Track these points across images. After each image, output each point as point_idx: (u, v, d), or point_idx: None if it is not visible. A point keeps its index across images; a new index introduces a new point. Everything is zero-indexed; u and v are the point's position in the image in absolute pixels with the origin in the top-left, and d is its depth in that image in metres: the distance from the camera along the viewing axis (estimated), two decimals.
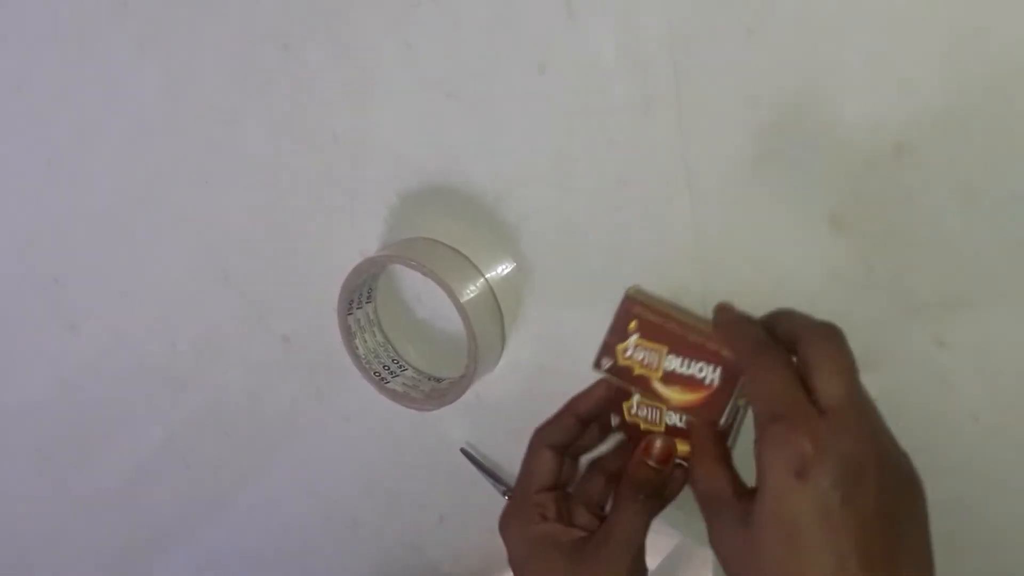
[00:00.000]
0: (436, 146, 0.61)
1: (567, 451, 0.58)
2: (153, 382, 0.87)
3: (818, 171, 0.50)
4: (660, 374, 0.54)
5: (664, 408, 0.54)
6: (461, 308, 0.59)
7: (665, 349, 0.54)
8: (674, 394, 0.54)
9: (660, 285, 0.57)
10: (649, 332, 0.54)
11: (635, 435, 0.57)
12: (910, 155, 0.47)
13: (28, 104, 0.79)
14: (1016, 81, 0.43)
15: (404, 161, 0.63)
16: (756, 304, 0.54)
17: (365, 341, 0.66)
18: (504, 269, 0.62)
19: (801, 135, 0.49)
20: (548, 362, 0.64)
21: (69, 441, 0.99)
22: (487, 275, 0.62)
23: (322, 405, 0.77)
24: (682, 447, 0.54)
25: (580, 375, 0.63)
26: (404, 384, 0.66)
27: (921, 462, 0.53)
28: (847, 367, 0.47)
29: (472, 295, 0.60)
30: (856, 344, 0.52)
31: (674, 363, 0.53)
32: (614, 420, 0.57)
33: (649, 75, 0.52)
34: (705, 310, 0.56)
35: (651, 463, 0.54)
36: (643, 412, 0.56)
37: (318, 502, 0.85)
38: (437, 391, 0.65)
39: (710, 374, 0.53)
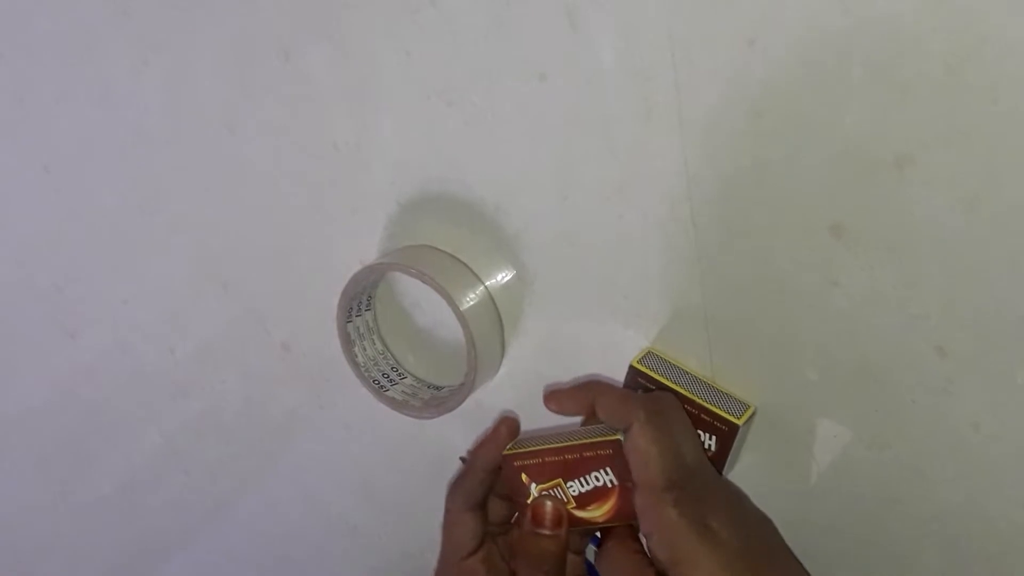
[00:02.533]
0: (436, 154, 0.61)
1: (486, 501, 0.57)
2: (152, 389, 0.87)
3: (819, 180, 0.50)
4: (572, 504, 0.54)
5: (561, 482, 0.54)
6: (461, 316, 0.59)
7: (559, 480, 0.54)
8: (595, 512, 0.54)
9: (660, 294, 0.57)
10: (538, 475, 0.54)
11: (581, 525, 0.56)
12: (911, 164, 0.47)
13: (28, 111, 0.79)
14: (1017, 90, 0.43)
15: (404, 169, 0.63)
16: (757, 311, 0.54)
17: (364, 349, 0.66)
18: (504, 277, 0.62)
19: (802, 144, 0.49)
20: (547, 370, 0.64)
21: (68, 447, 0.99)
22: (487, 283, 0.62)
23: (321, 413, 0.77)
24: (598, 512, 0.54)
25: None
26: (403, 392, 0.66)
27: (921, 471, 0.53)
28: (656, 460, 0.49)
29: (472, 303, 0.60)
30: (856, 353, 0.52)
31: (575, 487, 0.53)
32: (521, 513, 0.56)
33: (650, 84, 0.52)
34: (706, 317, 0.56)
35: (545, 532, 0.53)
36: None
37: (317, 509, 0.85)
38: (436, 399, 0.65)
39: (605, 476, 0.53)
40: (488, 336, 0.61)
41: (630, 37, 0.51)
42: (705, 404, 0.55)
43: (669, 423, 0.51)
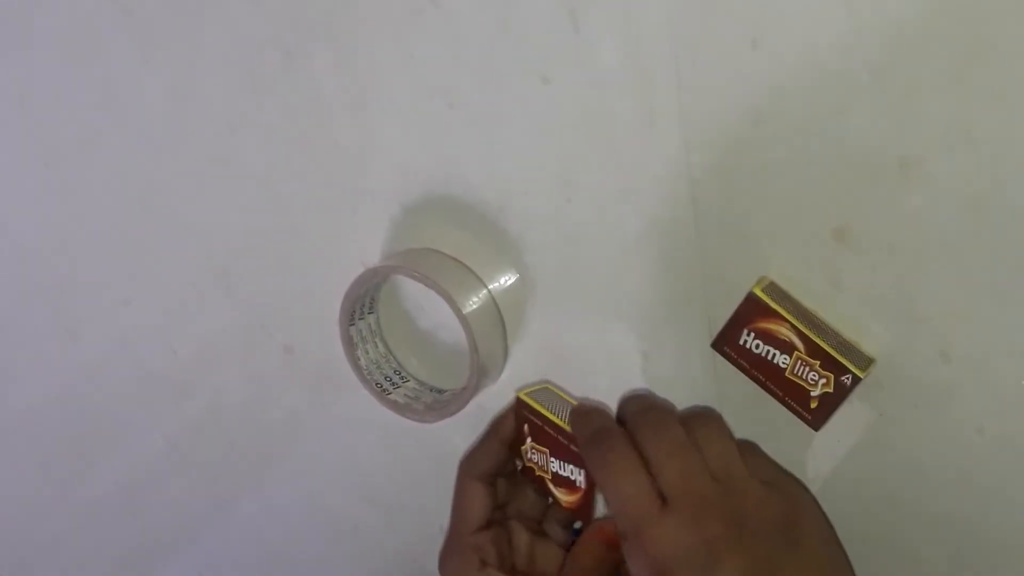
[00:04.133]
0: (439, 156, 0.61)
1: (498, 477, 0.57)
2: (154, 390, 0.87)
3: (822, 184, 0.49)
4: (550, 475, 0.57)
5: (548, 453, 0.56)
6: (463, 319, 0.59)
7: (548, 452, 0.56)
8: (561, 495, 0.57)
9: (663, 297, 0.57)
10: (536, 436, 0.57)
11: (533, 478, 0.58)
12: (916, 168, 0.46)
13: (30, 110, 0.79)
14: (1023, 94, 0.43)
15: (407, 171, 0.63)
16: None
17: (367, 352, 0.66)
18: (507, 280, 0.62)
19: (806, 147, 0.49)
20: (551, 374, 0.64)
21: (69, 448, 0.99)
22: (490, 286, 0.62)
23: (323, 415, 0.77)
24: (567, 497, 0.56)
25: (583, 387, 0.62)
26: (406, 395, 0.65)
27: (926, 475, 0.53)
28: (676, 452, 0.48)
29: (474, 306, 0.60)
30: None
31: (556, 465, 0.56)
32: (518, 465, 0.59)
33: (653, 86, 0.52)
34: (709, 320, 0.56)
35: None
36: (534, 457, 0.57)
37: (319, 511, 0.85)
38: (439, 403, 0.65)
39: (578, 476, 0.55)
40: (490, 339, 0.61)
41: (633, 39, 0.51)
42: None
43: (606, 462, 0.50)
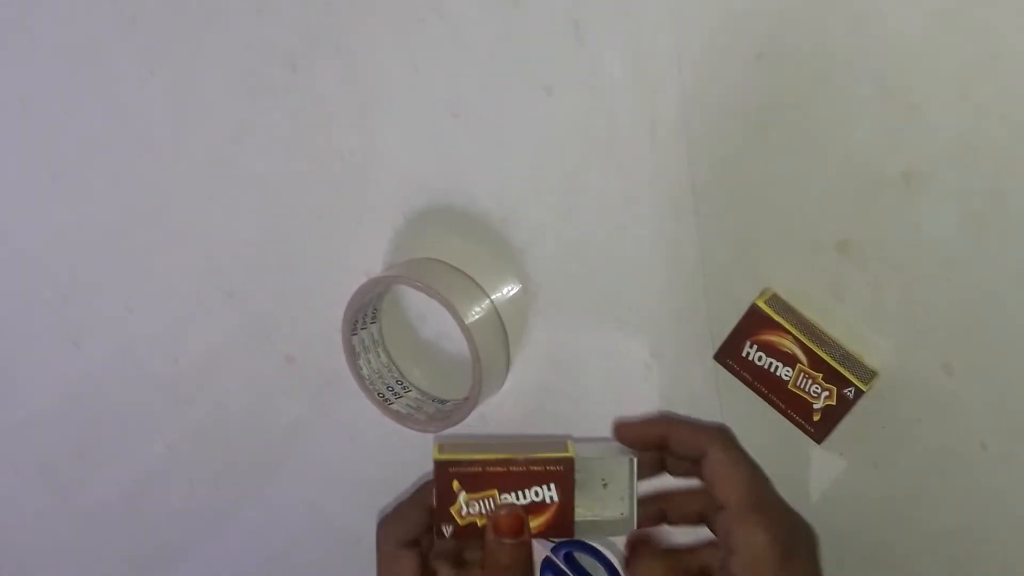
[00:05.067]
0: (442, 166, 0.61)
1: (422, 538, 0.55)
2: (156, 398, 0.87)
3: (826, 196, 0.49)
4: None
5: (496, 493, 0.54)
6: (466, 329, 0.59)
7: (495, 491, 0.54)
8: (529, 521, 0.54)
9: (665, 308, 0.57)
10: (472, 484, 0.54)
11: (476, 533, 0.55)
12: (919, 181, 0.46)
13: (34, 119, 0.79)
14: None
15: (410, 181, 0.63)
16: None
17: (369, 362, 0.66)
18: (510, 290, 0.62)
19: (809, 160, 0.49)
20: (553, 385, 0.63)
21: (72, 455, 0.99)
22: (492, 296, 0.62)
23: (325, 424, 0.77)
24: (537, 521, 0.54)
25: (585, 398, 0.62)
26: (408, 405, 0.65)
27: (929, 489, 0.53)
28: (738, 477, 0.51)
29: (477, 316, 0.60)
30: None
31: (512, 498, 0.54)
32: (446, 531, 0.54)
33: (656, 97, 0.52)
34: (711, 332, 0.56)
35: (508, 541, 0.53)
36: (475, 508, 0.54)
37: (320, 521, 0.85)
38: (441, 413, 0.64)
39: (546, 492, 0.53)
40: (493, 350, 0.61)
41: (637, 50, 0.51)
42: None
43: (744, 451, 0.53)
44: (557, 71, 0.54)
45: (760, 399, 0.53)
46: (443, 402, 0.66)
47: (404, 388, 0.67)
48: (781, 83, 0.48)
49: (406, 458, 0.74)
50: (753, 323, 0.52)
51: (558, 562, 0.67)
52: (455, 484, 0.54)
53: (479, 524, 0.54)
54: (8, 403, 0.99)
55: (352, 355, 0.65)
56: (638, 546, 0.55)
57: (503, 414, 0.64)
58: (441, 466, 0.54)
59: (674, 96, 0.51)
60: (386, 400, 0.65)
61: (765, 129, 0.49)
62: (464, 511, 0.54)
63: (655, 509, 0.55)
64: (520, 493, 0.53)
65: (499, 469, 0.53)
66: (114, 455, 0.96)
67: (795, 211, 0.51)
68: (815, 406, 0.52)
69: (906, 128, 0.46)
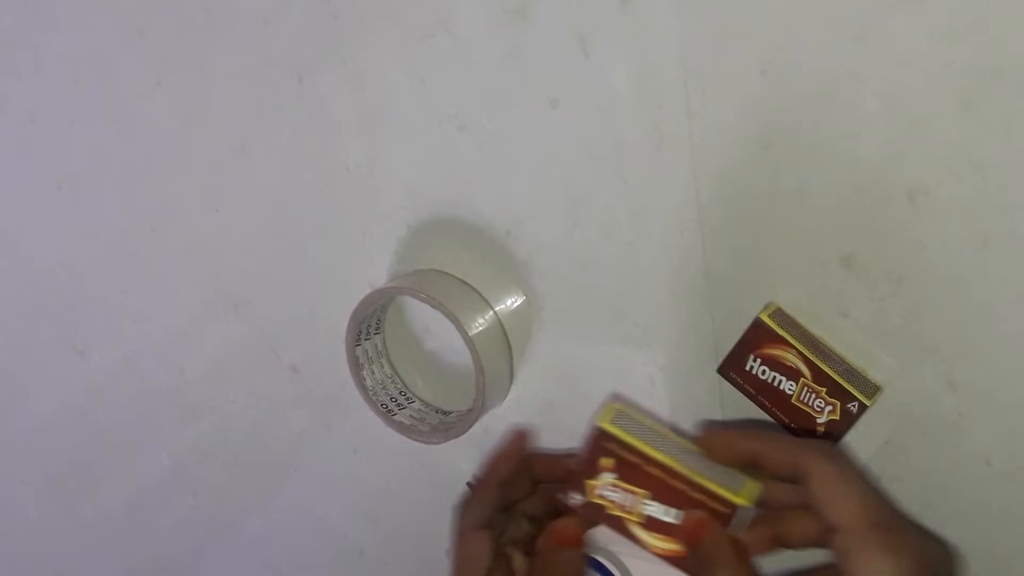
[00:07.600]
0: (447, 178, 0.61)
1: (496, 519, 0.55)
2: (161, 409, 0.87)
3: (831, 211, 0.49)
4: (641, 519, 0.49)
5: (647, 495, 0.49)
6: (469, 341, 0.59)
7: (645, 494, 0.49)
8: (656, 541, 0.49)
9: (670, 322, 0.57)
10: (627, 475, 0.49)
11: (597, 519, 0.50)
12: (924, 197, 0.46)
13: (42, 130, 0.80)
14: None
15: (415, 193, 0.63)
16: None
17: (373, 373, 0.66)
18: (514, 302, 0.62)
19: (814, 175, 0.49)
20: (557, 397, 0.63)
21: (76, 466, 0.99)
22: (496, 308, 0.62)
23: (329, 436, 0.77)
24: (666, 544, 0.49)
25: (588, 411, 0.62)
26: (411, 417, 0.65)
27: (932, 505, 0.53)
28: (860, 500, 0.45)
29: (481, 328, 0.60)
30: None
31: (653, 509, 0.49)
32: (572, 499, 0.51)
33: (662, 111, 0.52)
34: (716, 346, 0.56)
35: (562, 552, 0.51)
36: (614, 495, 0.50)
37: (324, 532, 0.85)
38: (444, 424, 0.64)
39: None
40: (497, 362, 0.61)
41: (643, 65, 0.51)
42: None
43: (854, 464, 0.48)
44: (563, 85, 0.54)
45: (763, 413, 0.53)
46: (446, 413, 0.66)
47: (407, 399, 0.67)
48: (786, 98, 0.48)
49: (409, 469, 0.74)
50: (757, 337, 0.52)
51: None
52: (608, 462, 0.50)
53: (607, 511, 0.50)
54: (13, 413, 1.00)
55: (356, 366, 0.65)
56: None
57: (506, 426, 0.64)
58: (603, 437, 0.50)
59: (679, 111, 0.51)
60: (389, 411, 0.65)
61: (770, 144, 0.49)
62: (601, 491, 0.50)
63: (770, 532, 0.49)
64: (667, 509, 0.49)
65: (660, 474, 0.49)
66: (119, 465, 0.96)
67: (800, 226, 0.51)
68: (818, 420, 0.51)
69: (912, 144, 0.46)
